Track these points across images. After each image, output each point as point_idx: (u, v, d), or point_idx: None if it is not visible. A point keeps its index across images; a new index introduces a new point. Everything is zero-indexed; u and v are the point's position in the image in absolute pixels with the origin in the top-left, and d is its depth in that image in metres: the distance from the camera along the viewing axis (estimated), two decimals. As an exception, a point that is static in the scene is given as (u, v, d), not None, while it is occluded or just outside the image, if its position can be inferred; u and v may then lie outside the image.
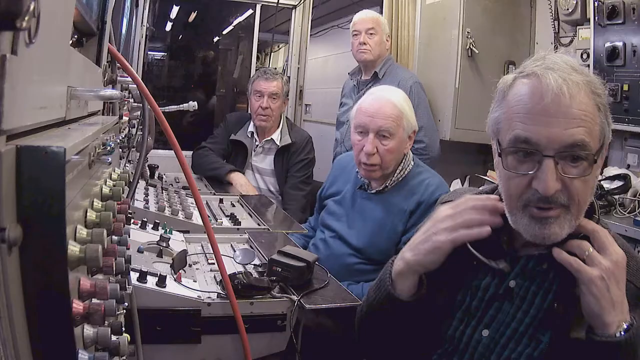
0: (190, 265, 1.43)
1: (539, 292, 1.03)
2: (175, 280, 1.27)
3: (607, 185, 2.35)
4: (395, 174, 1.91)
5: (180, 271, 1.33)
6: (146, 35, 3.58)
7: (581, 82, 0.92)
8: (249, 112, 3.20)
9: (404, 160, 1.93)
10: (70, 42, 0.83)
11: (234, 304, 1.20)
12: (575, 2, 2.76)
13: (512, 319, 1.04)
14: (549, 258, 0.99)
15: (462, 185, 2.93)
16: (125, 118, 1.49)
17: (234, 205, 2.26)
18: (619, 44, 2.46)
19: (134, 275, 1.19)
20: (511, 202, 0.98)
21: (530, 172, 0.93)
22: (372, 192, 1.94)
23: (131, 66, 1.31)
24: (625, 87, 2.45)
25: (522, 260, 1.05)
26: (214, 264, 1.45)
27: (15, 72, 0.41)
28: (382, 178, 1.91)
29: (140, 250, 1.39)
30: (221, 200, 2.28)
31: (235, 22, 5.00)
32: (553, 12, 2.93)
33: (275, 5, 3.78)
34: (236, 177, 2.83)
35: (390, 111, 1.84)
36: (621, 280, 0.93)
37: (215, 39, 5.14)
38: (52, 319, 0.48)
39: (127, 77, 1.26)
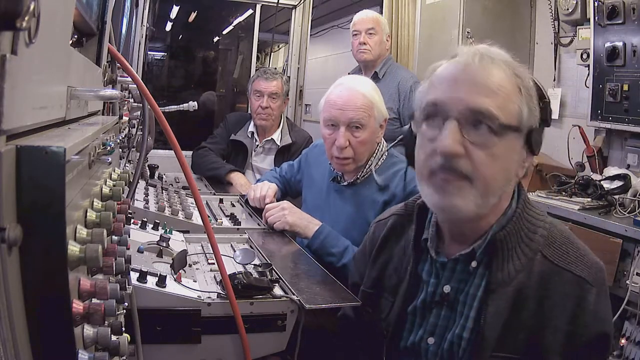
0: (190, 265, 1.43)
1: (476, 294, 0.99)
2: (175, 280, 1.27)
3: (607, 185, 2.35)
4: (367, 166, 1.88)
5: (180, 271, 1.33)
6: (146, 35, 3.58)
7: (500, 60, 0.93)
8: (249, 112, 3.20)
9: (376, 151, 1.90)
10: (70, 42, 0.83)
11: (234, 304, 1.20)
12: (575, 2, 2.76)
13: (453, 324, 1.01)
14: (475, 255, 0.99)
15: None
16: (125, 118, 1.49)
17: (234, 205, 2.26)
18: (619, 44, 2.46)
19: (134, 275, 1.18)
20: (420, 172, 0.98)
21: (436, 135, 0.93)
22: (345, 184, 1.93)
23: (131, 66, 1.31)
24: (625, 87, 2.45)
25: (450, 263, 1.03)
26: (214, 264, 1.45)
27: (15, 72, 0.41)
28: (355, 170, 1.89)
29: (140, 250, 1.39)
30: (221, 200, 2.28)
31: (235, 22, 5.00)
32: (553, 12, 2.93)
33: (275, 5, 3.78)
34: (236, 177, 2.83)
35: (361, 102, 1.80)
36: None
37: (215, 39, 5.14)
38: (52, 319, 0.48)
39: (127, 77, 1.26)
